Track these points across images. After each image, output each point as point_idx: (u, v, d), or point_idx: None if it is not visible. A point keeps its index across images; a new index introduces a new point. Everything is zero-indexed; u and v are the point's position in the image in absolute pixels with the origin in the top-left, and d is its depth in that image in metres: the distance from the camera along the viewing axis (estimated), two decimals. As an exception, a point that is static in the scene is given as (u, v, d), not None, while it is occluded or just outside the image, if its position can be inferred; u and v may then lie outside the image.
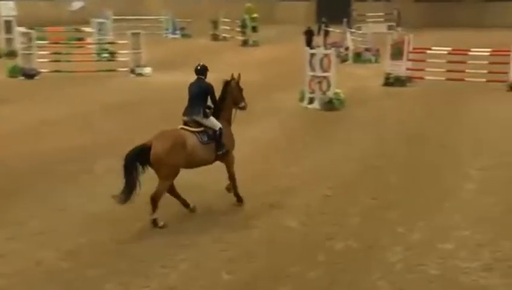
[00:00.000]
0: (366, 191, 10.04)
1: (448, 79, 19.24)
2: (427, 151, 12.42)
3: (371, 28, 28.46)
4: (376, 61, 25.32)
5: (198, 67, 9.46)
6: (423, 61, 20.16)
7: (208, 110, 9.23)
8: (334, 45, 25.03)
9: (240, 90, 9.70)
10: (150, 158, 8.56)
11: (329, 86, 16.82)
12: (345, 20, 28.32)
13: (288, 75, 19.20)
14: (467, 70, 19.04)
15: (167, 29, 36.94)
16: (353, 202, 9.51)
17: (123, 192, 8.40)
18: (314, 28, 29.29)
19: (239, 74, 9.63)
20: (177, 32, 36.82)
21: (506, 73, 19.24)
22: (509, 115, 15.66)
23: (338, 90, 16.95)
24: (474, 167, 11.27)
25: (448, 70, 19.31)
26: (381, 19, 38.32)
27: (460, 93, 18.64)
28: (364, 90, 19.42)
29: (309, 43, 26.22)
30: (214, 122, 9.25)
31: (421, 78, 20.12)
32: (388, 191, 10.04)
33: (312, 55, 16.99)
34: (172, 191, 9.04)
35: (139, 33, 22.70)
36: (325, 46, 25.19)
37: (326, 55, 17.12)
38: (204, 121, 9.21)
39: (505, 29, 36.09)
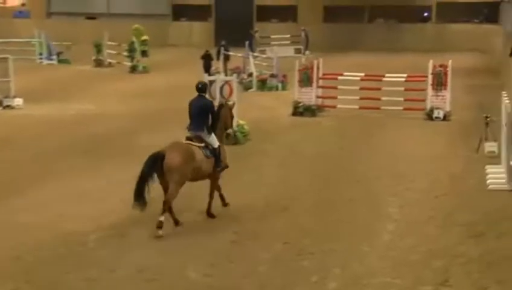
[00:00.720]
0: (277, 235, 10.10)
1: (362, 108, 19.61)
2: (341, 188, 12.56)
3: (277, 52, 28.51)
4: (283, 88, 25.38)
5: (200, 85, 11.28)
6: (334, 88, 20.31)
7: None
8: (236, 70, 25.06)
9: (232, 116, 11.87)
10: (164, 166, 10.32)
11: (231, 117, 17.16)
12: (247, 42, 28.42)
13: (179, 106, 18.62)
14: (382, 98, 19.42)
15: (41, 54, 35.95)
16: (263, 248, 9.54)
17: (137, 200, 10.16)
18: (213, 51, 29.26)
19: (233, 102, 11.93)
20: (53, 57, 35.95)
21: (423, 100, 19.81)
22: (427, 147, 15.96)
23: (241, 122, 16.93)
24: (392, 205, 11.51)
25: (362, 98, 19.61)
26: (288, 42, 38.63)
27: (375, 123, 18.95)
28: (271, 121, 19.48)
29: (207, 69, 26.21)
30: (214, 140, 11.08)
31: (333, 106, 20.23)
32: (301, 235, 10.11)
33: (211, 82, 17.00)
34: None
35: (7, 58, 22.28)
36: (226, 72, 25.47)
37: (227, 82, 17.17)
38: (207, 138, 11.01)
39: (418, 53, 37.03)
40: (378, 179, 13.20)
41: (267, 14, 45.60)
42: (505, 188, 12.27)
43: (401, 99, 19.65)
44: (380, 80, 20.23)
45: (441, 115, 19.58)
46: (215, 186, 11.36)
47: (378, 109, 19.91)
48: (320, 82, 20.79)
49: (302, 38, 38.99)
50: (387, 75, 20.62)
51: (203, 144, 10.97)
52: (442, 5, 44.52)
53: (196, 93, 11.19)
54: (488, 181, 12.79)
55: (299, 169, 14.11)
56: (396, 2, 43.79)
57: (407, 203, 11.63)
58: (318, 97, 20.94)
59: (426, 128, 18.52)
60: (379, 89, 20.07)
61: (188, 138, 10.97)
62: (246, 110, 18.21)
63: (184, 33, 45.87)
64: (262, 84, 25.90)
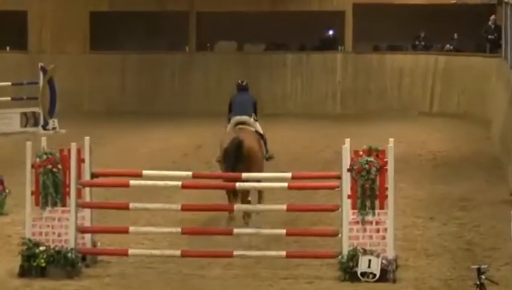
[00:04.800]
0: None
1: (185, 254, 13.26)
2: None
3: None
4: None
5: (244, 83, 13.99)
6: (122, 207, 13.31)
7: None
8: None
9: None
10: (245, 152, 12.49)
11: None
12: None
13: None
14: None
15: None
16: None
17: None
18: None
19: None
20: None
21: (333, 234, 12.36)
22: None
23: None
24: None
25: (185, 231, 13.88)
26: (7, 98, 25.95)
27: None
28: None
29: None
30: (260, 128, 13.54)
31: (120, 253, 12.73)
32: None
33: None
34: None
35: None
36: None
37: None
38: (254, 124, 13.47)
39: (308, 118, 25.87)
40: None
41: None
42: None
43: (283, 232, 12.25)
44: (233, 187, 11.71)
45: (375, 269, 11.52)
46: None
47: (228, 256, 11.53)
48: (88, 195, 12.16)
49: (41, 87, 25.45)
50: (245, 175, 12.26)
51: (253, 129, 13.21)
52: (362, 10, 28.57)
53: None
54: None
55: None
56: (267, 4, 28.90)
57: None
58: (82, 231, 11.90)
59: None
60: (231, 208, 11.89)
61: (238, 122, 13.17)
62: None
63: None
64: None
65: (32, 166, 11.82)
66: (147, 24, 32.16)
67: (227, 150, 12.45)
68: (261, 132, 13.37)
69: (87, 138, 11.94)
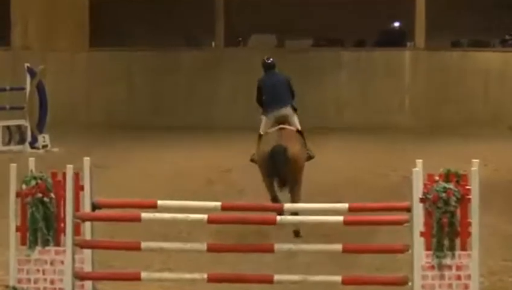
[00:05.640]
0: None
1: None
2: None
3: None
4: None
5: (269, 61, 15.21)
6: (133, 247, 13.49)
7: None
8: None
9: None
10: (290, 158, 14.25)
11: None
12: None
13: None
14: None
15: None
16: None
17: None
18: None
19: None
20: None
21: (402, 284, 14.06)
22: None
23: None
24: None
25: None
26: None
27: None
28: None
29: None
30: (298, 121, 14.98)
31: None
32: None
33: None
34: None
35: None
36: None
37: None
38: (292, 118, 14.89)
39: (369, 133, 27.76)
40: None
41: None
42: None
43: (338, 279, 12.82)
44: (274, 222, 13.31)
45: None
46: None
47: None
48: (89, 231, 12.91)
49: (28, 94, 26.33)
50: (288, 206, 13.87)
51: (294, 128, 14.68)
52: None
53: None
54: None
55: None
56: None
57: None
58: (81, 278, 12.70)
59: None
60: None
61: (279, 121, 14.66)
62: None
63: None
64: None
65: (18, 195, 12.17)
66: (160, 13, 32.53)
67: (268, 158, 14.32)
68: (299, 128, 14.94)
69: (86, 159, 12.33)
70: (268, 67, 15.34)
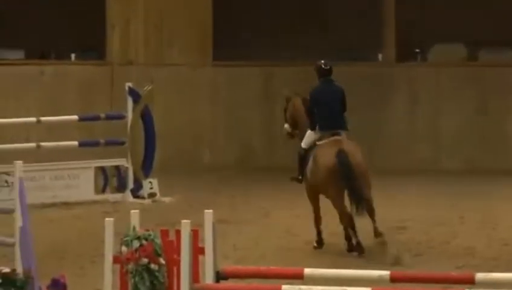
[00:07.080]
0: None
1: None
2: None
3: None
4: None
5: (327, 67, 17.04)
6: None
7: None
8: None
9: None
10: (355, 169, 16.69)
11: None
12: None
13: None
14: None
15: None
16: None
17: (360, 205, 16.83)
18: None
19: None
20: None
21: None
22: None
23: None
24: None
25: None
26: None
27: None
28: None
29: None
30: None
31: None
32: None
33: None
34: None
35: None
36: None
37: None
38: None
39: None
40: None
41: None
42: None
43: None
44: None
45: None
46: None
47: None
48: None
49: (129, 124, 26.87)
50: None
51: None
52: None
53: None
54: None
55: None
56: None
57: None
58: None
59: None
60: None
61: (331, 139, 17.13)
62: None
63: None
64: None
65: (115, 260, 12.77)
66: (302, 16, 32.96)
67: (335, 167, 16.47)
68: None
69: (208, 212, 12.57)
70: (324, 74, 16.99)
